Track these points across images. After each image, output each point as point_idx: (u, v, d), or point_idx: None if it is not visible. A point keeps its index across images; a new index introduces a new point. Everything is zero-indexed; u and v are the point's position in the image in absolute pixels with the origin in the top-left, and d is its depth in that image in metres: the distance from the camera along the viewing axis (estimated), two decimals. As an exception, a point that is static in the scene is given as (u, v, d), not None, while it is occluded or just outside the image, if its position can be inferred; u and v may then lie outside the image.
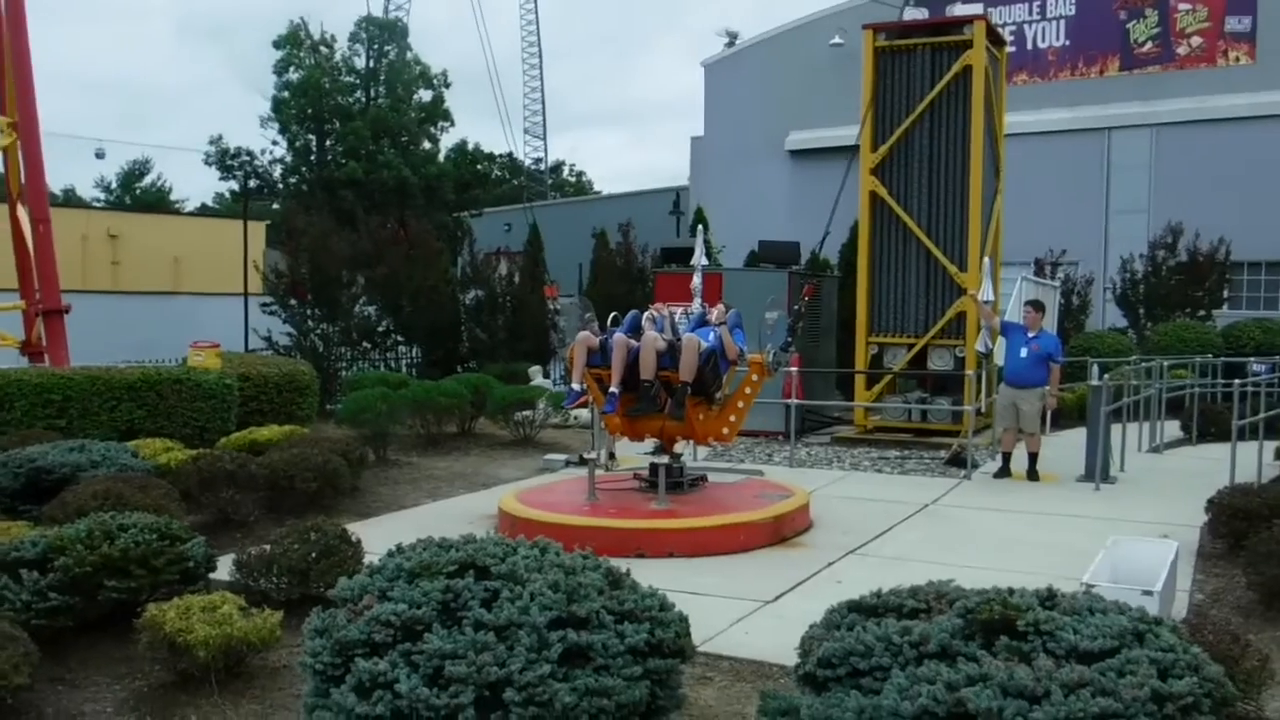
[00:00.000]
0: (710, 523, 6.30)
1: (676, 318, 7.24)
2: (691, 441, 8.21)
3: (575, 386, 6.69)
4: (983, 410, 10.66)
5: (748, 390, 6.84)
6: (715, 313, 7.04)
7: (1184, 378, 12.44)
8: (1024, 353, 8.86)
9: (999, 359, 9.69)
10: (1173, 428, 11.40)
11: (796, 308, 7.27)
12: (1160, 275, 17.12)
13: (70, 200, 44.48)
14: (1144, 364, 11.51)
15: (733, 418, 6.87)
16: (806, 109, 23.38)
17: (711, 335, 6.77)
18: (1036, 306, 9.23)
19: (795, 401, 10.16)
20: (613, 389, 6.46)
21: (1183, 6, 21.64)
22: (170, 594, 4.33)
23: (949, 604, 2.95)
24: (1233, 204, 18.98)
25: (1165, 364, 11.38)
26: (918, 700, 2.52)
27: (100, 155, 37.87)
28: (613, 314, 7.14)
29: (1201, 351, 13.53)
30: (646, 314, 6.99)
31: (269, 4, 68.54)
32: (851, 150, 11.47)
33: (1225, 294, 18.15)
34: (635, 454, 8.81)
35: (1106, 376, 9.08)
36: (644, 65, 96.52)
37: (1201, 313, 16.68)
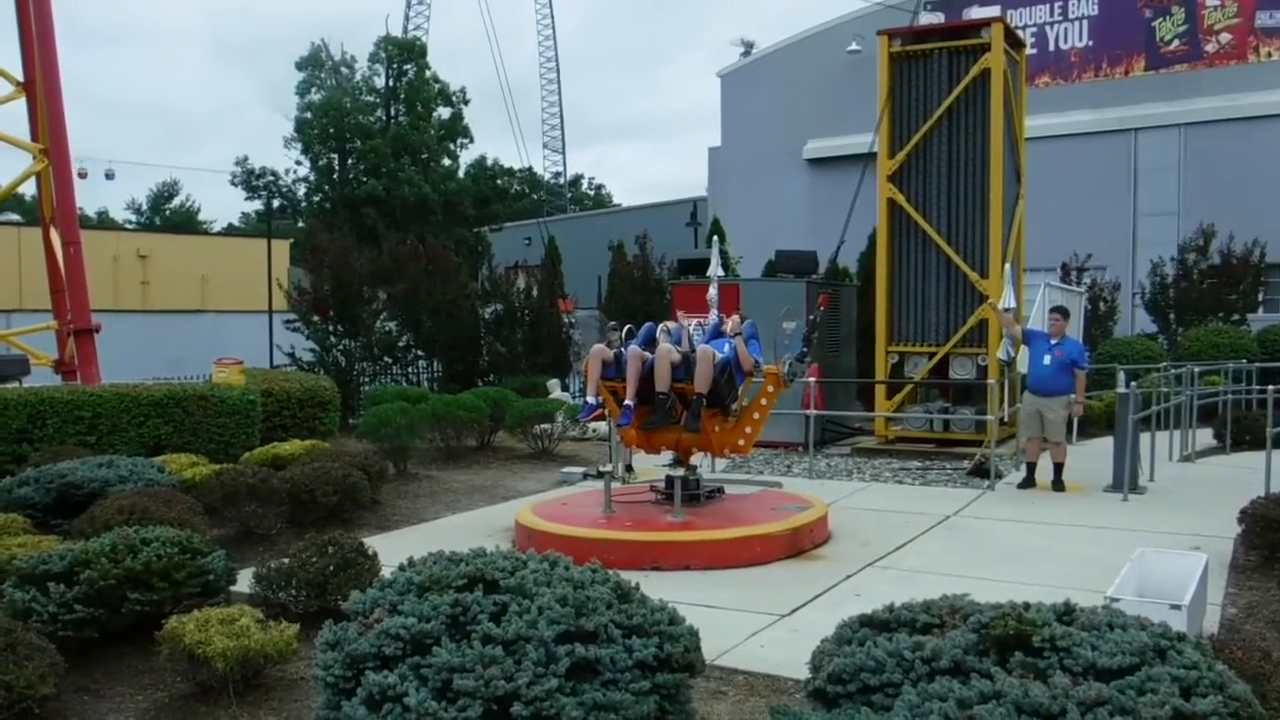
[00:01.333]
0: (727, 535, 6.26)
1: (692, 329, 7.22)
2: (709, 453, 8.17)
3: (590, 399, 6.69)
4: (1006, 419, 10.50)
5: (764, 401, 6.81)
6: (730, 324, 7.02)
7: (1217, 384, 12.17)
8: (1047, 360, 8.73)
9: (1022, 367, 9.55)
10: (1205, 436, 11.15)
11: (812, 318, 7.23)
12: (1191, 279, 16.78)
13: (103, 222, 45.57)
14: (1174, 370, 11.28)
15: (749, 429, 6.83)
16: (824, 117, 23.31)
17: (726, 346, 6.75)
18: (1061, 313, 9.10)
19: (815, 412, 10.08)
20: (628, 402, 6.45)
21: (1211, 2, 21.22)
22: (192, 606, 4.39)
23: (963, 619, 2.90)
24: (1267, 204, 18.56)
25: (1196, 370, 11.12)
26: (929, 717, 2.47)
27: (110, 176, 38.37)
28: (627, 326, 7.15)
29: (1235, 357, 13.23)
30: (661, 326, 6.99)
31: (295, 28, 69.95)
32: (866, 158, 11.40)
33: (1261, 297, 17.75)
34: (653, 466, 8.79)
35: (1135, 383, 8.91)
36: (665, 78, 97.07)
37: (1235, 317, 16.32)
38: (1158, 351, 14.75)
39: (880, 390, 11.52)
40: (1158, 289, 17.07)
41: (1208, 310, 16.30)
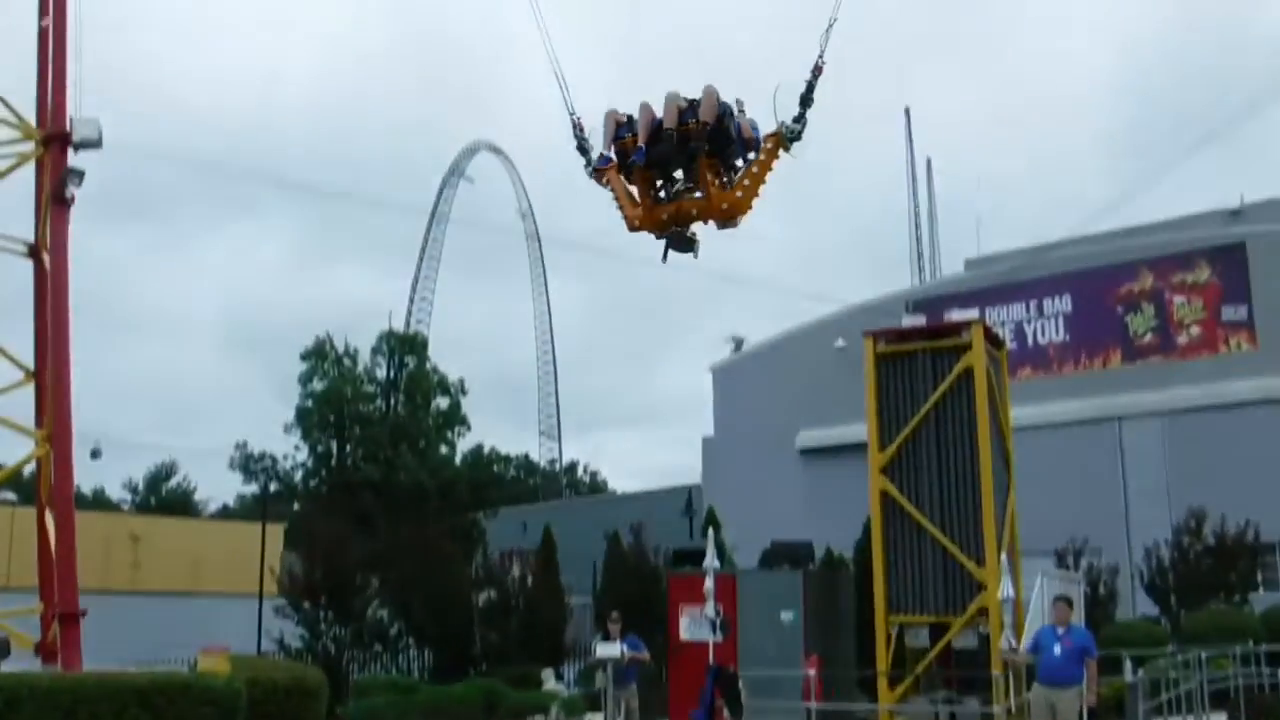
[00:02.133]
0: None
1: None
2: (708, 220, 7.76)
3: (606, 153, 6.87)
4: (1013, 710, 9.99)
5: (763, 157, 6.85)
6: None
7: (1225, 667, 11.74)
8: (1058, 649, 8.56)
9: (1025, 644, 9.32)
10: (1218, 721, 10.54)
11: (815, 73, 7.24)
12: (1189, 561, 16.65)
13: (99, 500, 45.44)
14: (1181, 655, 10.96)
15: (748, 182, 6.83)
16: (815, 408, 23.84)
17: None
18: (1065, 600, 9.09)
19: (815, 705, 9.60)
20: (640, 144, 6.63)
21: (1178, 299, 22.06)
22: None
23: None
24: (1254, 486, 18.44)
25: (1204, 655, 10.81)
26: None
27: (96, 455, 38.14)
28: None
29: (1241, 638, 12.88)
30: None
31: (300, 317, 75.81)
32: (854, 447, 11.87)
33: (1259, 577, 17.46)
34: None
35: (1142, 671, 8.69)
36: (659, 370, 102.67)
37: (1237, 597, 16.04)
38: (1161, 635, 14.34)
39: (883, 680, 10.99)
40: (1156, 572, 16.90)
41: (1208, 590, 16.02)
